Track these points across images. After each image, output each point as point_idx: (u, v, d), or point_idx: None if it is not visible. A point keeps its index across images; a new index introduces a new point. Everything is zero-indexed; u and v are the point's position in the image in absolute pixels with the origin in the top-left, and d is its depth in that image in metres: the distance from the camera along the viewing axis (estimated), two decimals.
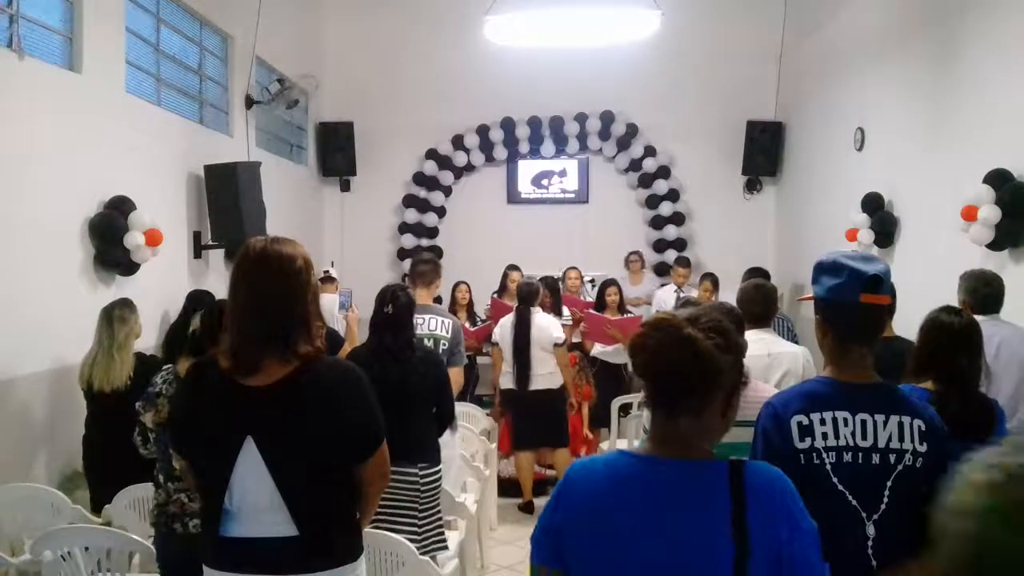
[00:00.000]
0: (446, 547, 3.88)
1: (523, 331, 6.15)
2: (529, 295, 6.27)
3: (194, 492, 2.92)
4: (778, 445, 2.04)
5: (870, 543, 1.98)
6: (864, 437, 2.01)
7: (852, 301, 2.10)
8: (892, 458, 2.00)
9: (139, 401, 3.23)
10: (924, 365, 2.82)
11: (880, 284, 2.09)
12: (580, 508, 1.61)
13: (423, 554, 3.40)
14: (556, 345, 6.20)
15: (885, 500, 1.99)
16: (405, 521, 3.70)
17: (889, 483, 1.99)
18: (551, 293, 7.10)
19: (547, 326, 6.19)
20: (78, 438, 4.54)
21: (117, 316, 4.47)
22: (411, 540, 3.50)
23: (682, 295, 7.93)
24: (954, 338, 2.82)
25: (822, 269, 2.16)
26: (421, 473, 3.76)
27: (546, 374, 6.22)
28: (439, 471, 3.91)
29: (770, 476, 1.60)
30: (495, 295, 7.71)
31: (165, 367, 3.33)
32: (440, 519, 3.90)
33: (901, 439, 2.01)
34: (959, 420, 2.66)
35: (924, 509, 2.00)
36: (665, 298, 8.29)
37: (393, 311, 3.82)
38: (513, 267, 7.74)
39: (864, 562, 1.98)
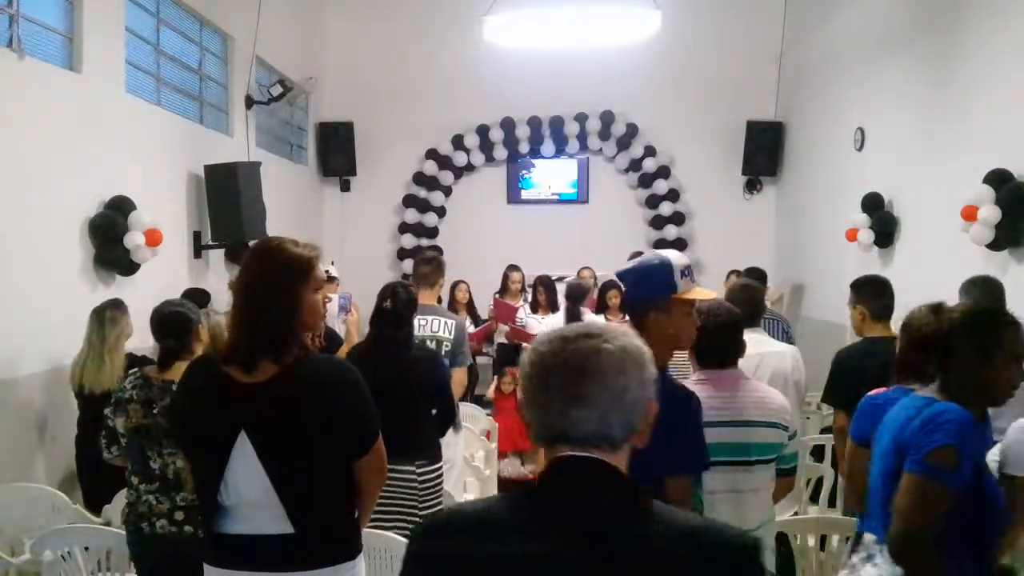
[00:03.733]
0: None
1: None
2: (580, 294, 6.32)
3: (164, 495, 3.01)
4: None
5: None
6: None
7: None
8: None
9: (108, 407, 3.20)
10: (901, 367, 2.75)
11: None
12: None
13: None
14: None
15: None
16: (404, 521, 3.69)
17: None
18: (546, 291, 7.10)
19: None
20: None
21: (108, 317, 4.43)
22: None
23: None
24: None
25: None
26: (419, 471, 3.74)
27: None
28: (439, 469, 3.89)
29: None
30: (497, 295, 7.72)
31: (132, 371, 3.29)
32: None
33: None
34: None
35: None
36: None
37: (392, 306, 3.81)
38: (514, 267, 7.74)
39: None
